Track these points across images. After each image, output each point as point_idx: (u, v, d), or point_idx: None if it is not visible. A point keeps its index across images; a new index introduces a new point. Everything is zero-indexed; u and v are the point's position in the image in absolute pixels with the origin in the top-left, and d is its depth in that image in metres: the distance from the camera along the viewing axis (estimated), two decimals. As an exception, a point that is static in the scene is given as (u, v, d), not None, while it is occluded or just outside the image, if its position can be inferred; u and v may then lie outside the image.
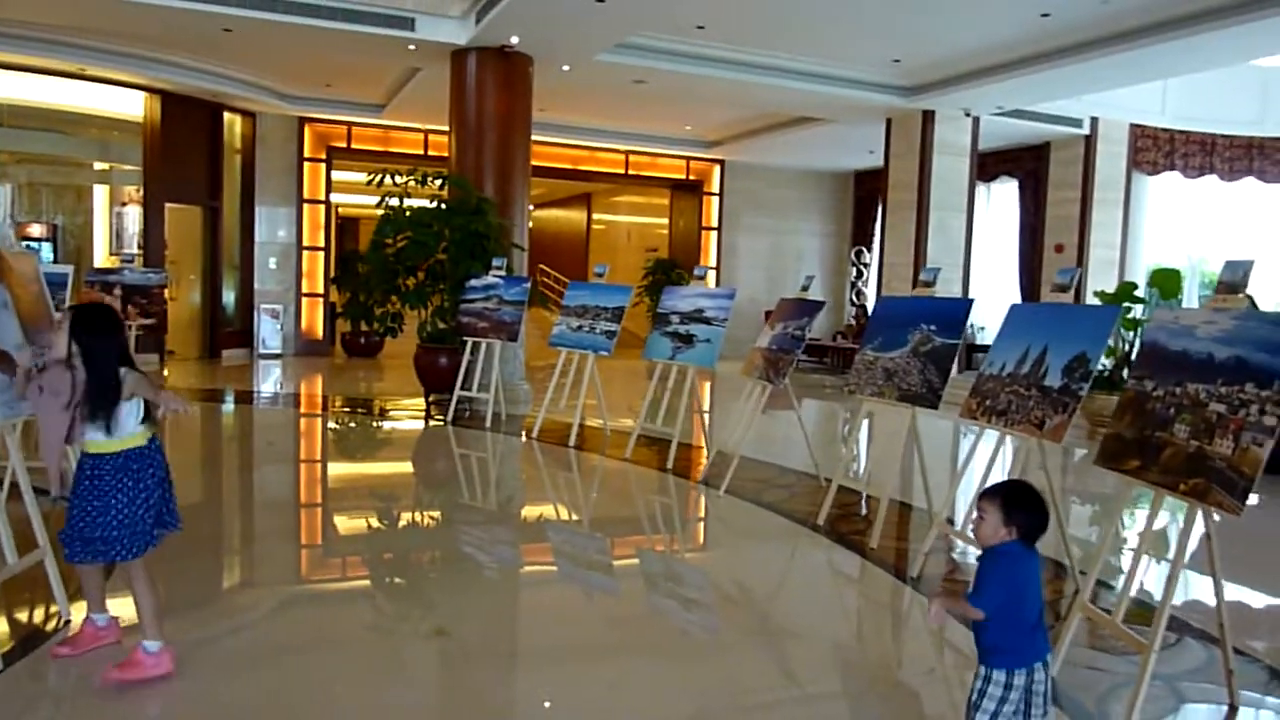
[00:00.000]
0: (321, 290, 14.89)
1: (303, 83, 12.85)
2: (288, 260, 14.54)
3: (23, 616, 3.61)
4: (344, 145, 14.81)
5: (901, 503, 5.93)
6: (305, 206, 14.61)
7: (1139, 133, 13.28)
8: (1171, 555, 4.56)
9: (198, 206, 13.43)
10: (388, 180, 9.39)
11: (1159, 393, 3.08)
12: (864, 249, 17.48)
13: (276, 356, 14.01)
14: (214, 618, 3.59)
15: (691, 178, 17.32)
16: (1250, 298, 8.83)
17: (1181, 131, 13.33)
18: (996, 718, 2.39)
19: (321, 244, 14.89)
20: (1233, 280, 3.05)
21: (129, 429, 3.03)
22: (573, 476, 6.90)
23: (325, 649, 3.44)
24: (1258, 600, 4.60)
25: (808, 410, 10.99)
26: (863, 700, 3.20)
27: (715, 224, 17.39)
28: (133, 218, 13.48)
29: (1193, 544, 3.26)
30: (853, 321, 17.01)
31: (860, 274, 17.59)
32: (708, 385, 12.51)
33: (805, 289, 6.56)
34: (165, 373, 11.57)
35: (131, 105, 12.30)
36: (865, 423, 9.49)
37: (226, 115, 13.50)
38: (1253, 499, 6.61)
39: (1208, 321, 3.00)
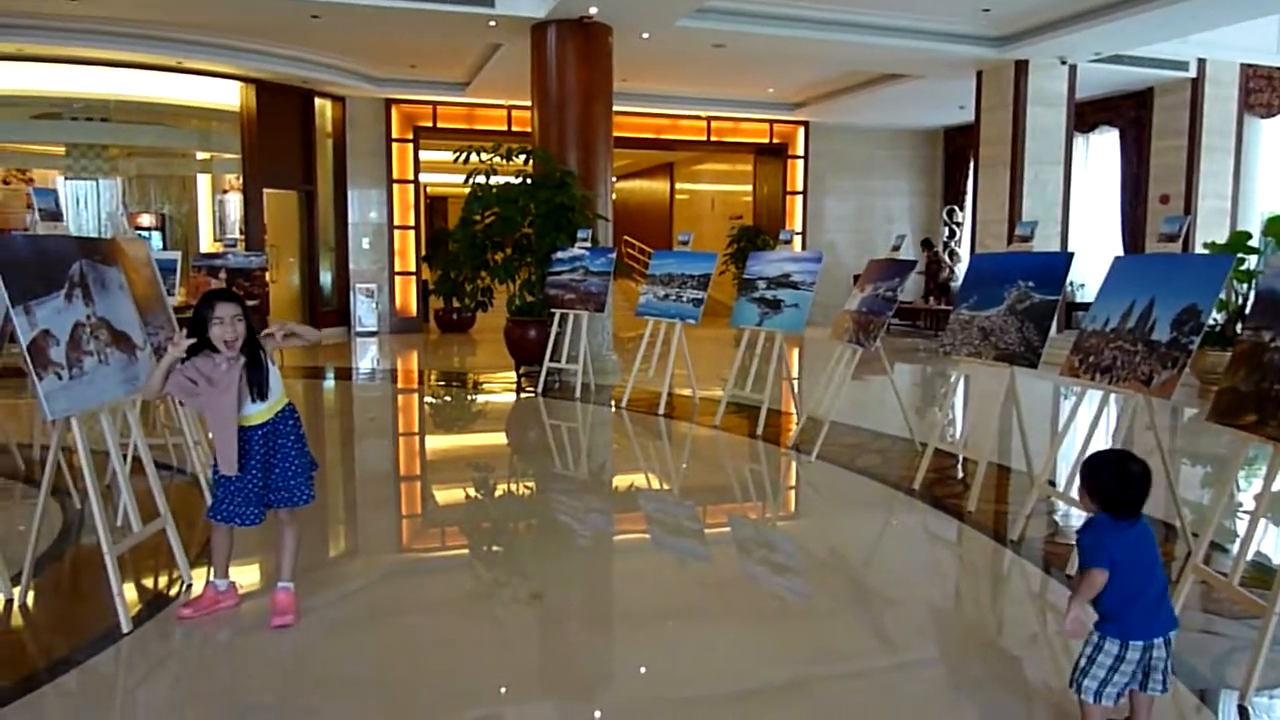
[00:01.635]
0: (414, 268, 15.24)
1: (389, 65, 13.09)
2: (380, 240, 14.90)
3: (148, 582, 3.82)
4: (430, 125, 15.06)
5: (1000, 466, 5.80)
6: (395, 187, 14.93)
7: (1251, 73, 12.54)
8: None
9: (293, 191, 13.87)
10: (473, 158, 9.52)
11: (1278, 344, 2.92)
12: (956, 208, 16.99)
13: (373, 334, 14.41)
14: (320, 585, 3.73)
15: (775, 141, 17.06)
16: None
17: (1299, 70, 12.54)
18: (1105, 685, 2.34)
19: (412, 223, 15.21)
20: (1358, 222, 2.86)
21: (279, 389, 3.35)
22: (662, 445, 6.93)
23: (426, 614, 3.56)
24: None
25: (900, 373, 10.80)
26: (961, 664, 3.15)
27: (800, 188, 17.11)
28: (234, 204, 13.97)
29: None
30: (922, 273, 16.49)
31: (953, 234, 17.11)
32: (796, 351, 12.40)
33: (896, 249, 6.41)
34: (269, 352, 11.99)
35: (228, 95, 12.72)
36: (961, 385, 9.27)
37: (317, 100, 13.85)
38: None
39: (1330, 266, 2.83)
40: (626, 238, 23.08)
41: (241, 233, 13.21)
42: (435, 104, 14.83)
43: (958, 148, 16.74)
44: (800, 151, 17.02)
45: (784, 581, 4.14)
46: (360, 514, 5.24)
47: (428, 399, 9.36)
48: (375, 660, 3.09)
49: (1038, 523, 4.57)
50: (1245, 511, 4.88)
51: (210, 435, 3.32)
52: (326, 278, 14.56)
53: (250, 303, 11.39)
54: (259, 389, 3.23)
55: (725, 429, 7.05)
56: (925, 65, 11.92)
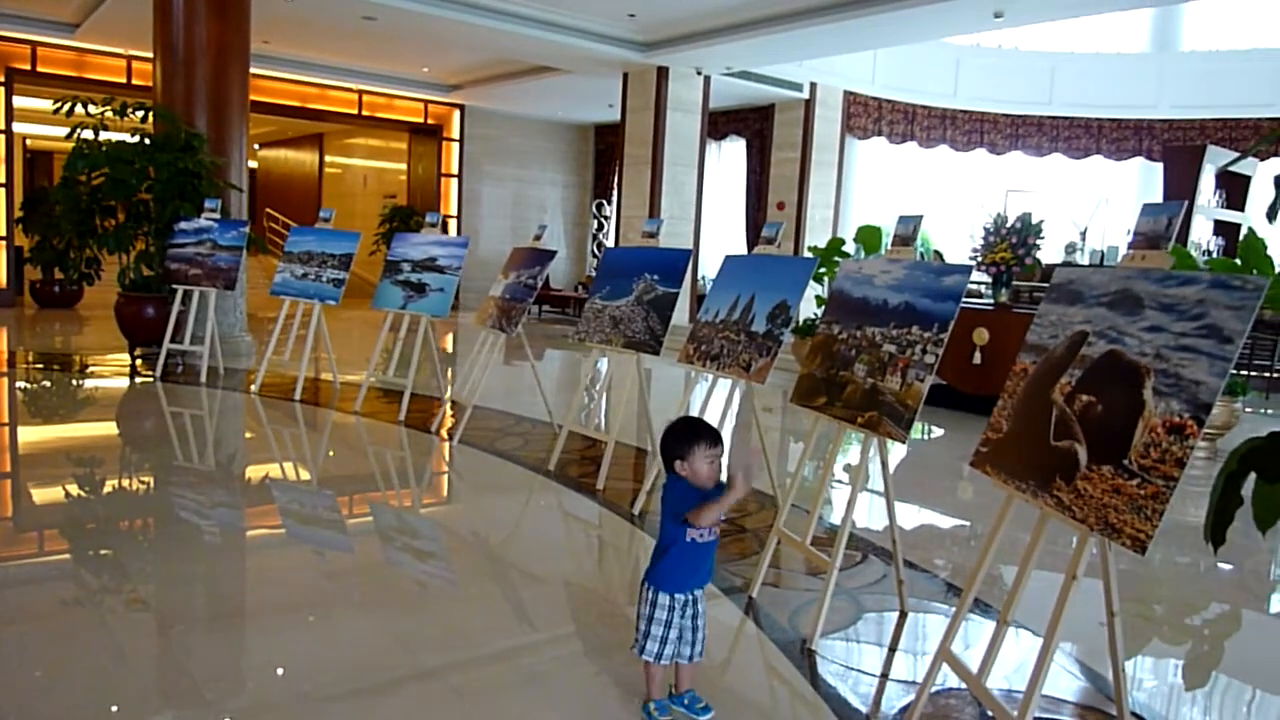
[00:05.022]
0: (4, 232, 13.20)
1: (-30, -9, 11.19)
2: (-41, 198, 12.73)
3: None
4: (27, 68, 13.07)
5: (636, 447, 6.18)
6: (-20, 136, 12.83)
7: (852, 99, 14.40)
8: (872, 484, 5.10)
9: None
10: (79, 110, 8.41)
11: (844, 335, 3.40)
12: (604, 201, 17.82)
13: (-52, 308, 12.29)
14: None
15: (430, 121, 16.84)
16: (940, 253, 9.77)
17: (888, 100, 14.60)
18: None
19: (2, 179, 13.16)
20: (904, 233, 3.40)
21: None
22: (300, 432, 6.60)
23: (15, 628, 3.11)
24: (943, 521, 5.23)
25: (549, 359, 11.14)
26: (591, 633, 3.33)
27: (456, 171, 17.04)
28: None
29: (891, 473, 3.64)
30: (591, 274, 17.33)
31: (601, 226, 17.93)
32: (450, 335, 12.36)
33: (538, 238, 6.60)
34: None
35: None
36: (604, 369, 9.76)
37: None
38: (938, 431, 7.49)
39: (884, 271, 3.34)
40: (269, 210, 21.66)
41: None
42: (35, 44, 12.89)
43: (607, 144, 17.56)
44: (456, 134, 16.94)
45: (426, 567, 4.13)
46: (-78, 520, 4.46)
47: (20, 384, 8.14)
48: (-72, 689, 2.65)
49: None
50: (838, 480, 5.63)
51: None
52: (-117, 239, 12.17)
53: None
54: None
55: (368, 414, 6.86)
56: (575, 61, 12.36)
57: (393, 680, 2.85)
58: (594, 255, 18.06)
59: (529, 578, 3.89)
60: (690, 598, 2.56)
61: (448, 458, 5.95)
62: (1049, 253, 9.04)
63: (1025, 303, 8.28)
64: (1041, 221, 7.95)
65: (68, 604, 3.44)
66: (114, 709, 2.62)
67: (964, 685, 2.75)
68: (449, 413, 6.89)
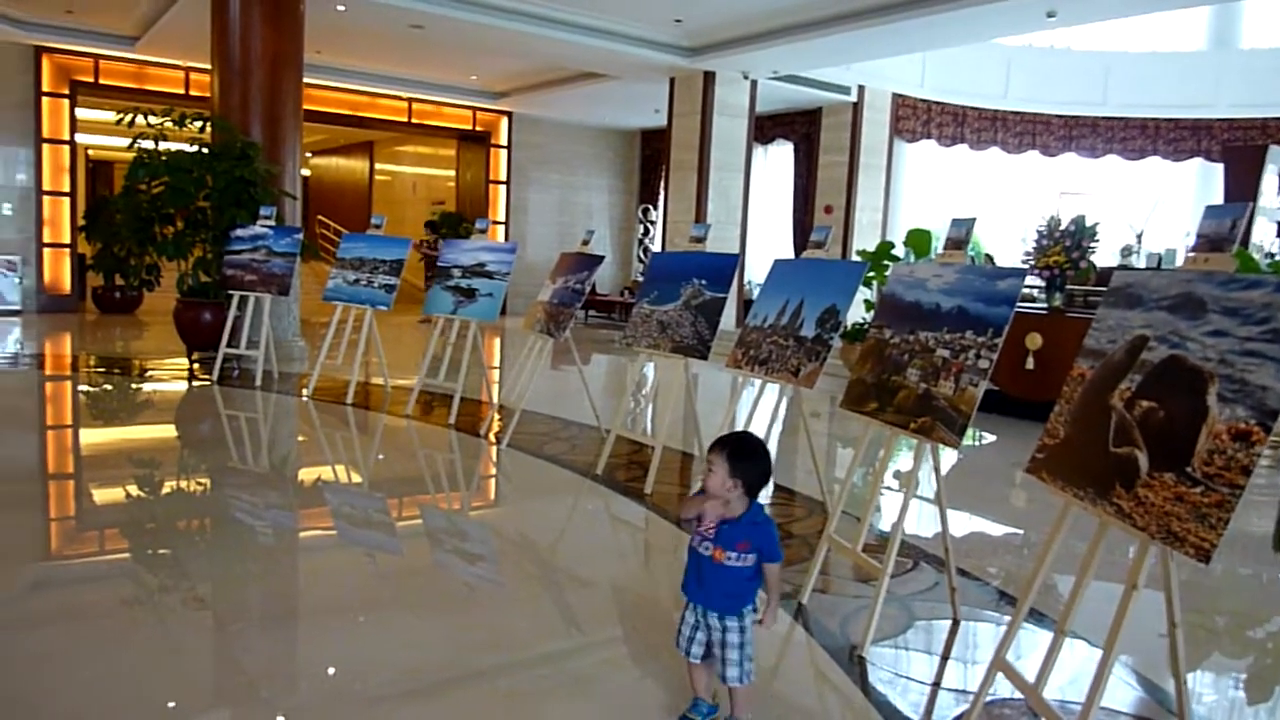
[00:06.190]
0: (68, 240, 13.57)
1: (38, 6, 11.53)
2: (26, 206, 13.11)
3: None
4: (91, 80, 13.46)
5: (684, 452, 6.17)
6: (45, 147, 13.19)
7: (900, 102, 14.25)
8: (922, 491, 5.04)
9: (-90, 143, 11.84)
10: (140, 120, 8.64)
11: (895, 340, 3.37)
12: (650, 206, 17.84)
13: (15, 313, 12.68)
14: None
15: (478, 129, 17.01)
16: (990, 256, 9.60)
17: (937, 102, 14.42)
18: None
19: (67, 189, 13.54)
20: (957, 237, 3.36)
21: None
22: (351, 435, 6.70)
23: (75, 626, 3.19)
24: (996, 529, 5.15)
25: (596, 364, 11.18)
26: (641, 636, 3.33)
27: (504, 177, 17.18)
28: None
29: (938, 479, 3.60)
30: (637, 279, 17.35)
31: (647, 231, 17.95)
32: (498, 340, 12.46)
33: (586, 243, 6.63)
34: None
35: None
36: (651, 374, 9.77)
37: (-56, 40, 11.92)
38: (990, 437, 7.37)
39: (936, 275, 3.30)
40: (320, 217, 22.02)
41: None
42: (98, 57, 13.27)
43: (653, 150, 17.58)
44: (504, 141, 17.09)
45: (474, 570, 4.16)
46: (-6, 518, 4.59)
47: (83, 387, 8.37)
48: (3, 678, 2.73)
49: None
50: (886, 487, 5.57)
51: None
52: (-45, 246, 12.59)
53: None
54: None
55: (418, 418, 6.94)
56: (622, 67, 12.40)
57: (442, 681, 2.88)
58: (640, 260, 18.08)
59: (576, 581, 3.91)
60: (699, 609, 2.49)
61: (497, 462, 6.00)
62: (1104, 256, 8.86)
63: (1079, 307, 8.11)
64: (1096, 224, 7.79)
65: (127, 602, 3.53)
66: (171, 705, 2.68)
67: (1018, 695, 2.70)
68: (497, 417, 6.94)
